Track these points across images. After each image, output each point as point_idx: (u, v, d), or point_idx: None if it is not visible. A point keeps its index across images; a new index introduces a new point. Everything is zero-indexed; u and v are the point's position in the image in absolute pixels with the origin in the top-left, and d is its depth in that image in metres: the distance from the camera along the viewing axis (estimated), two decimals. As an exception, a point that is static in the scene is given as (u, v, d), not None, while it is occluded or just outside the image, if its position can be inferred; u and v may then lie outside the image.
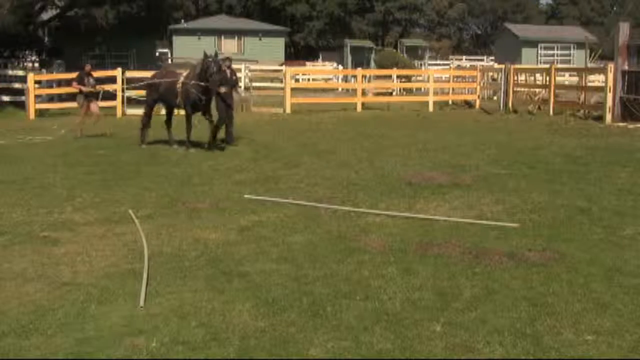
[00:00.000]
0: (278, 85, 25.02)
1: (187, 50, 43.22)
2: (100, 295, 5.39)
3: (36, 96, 21.34)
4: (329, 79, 36.87)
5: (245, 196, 8.99)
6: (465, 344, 4.48)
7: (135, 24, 32.37)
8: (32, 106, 20.93)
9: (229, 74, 14.07)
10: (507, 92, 22.60)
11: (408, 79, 31.84)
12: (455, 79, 28.01)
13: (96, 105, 15.85)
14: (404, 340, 4.53)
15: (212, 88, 12.94)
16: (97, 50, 33.72)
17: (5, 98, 23.04)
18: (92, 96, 15.81)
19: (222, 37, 47.46)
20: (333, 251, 6.54)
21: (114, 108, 20.74)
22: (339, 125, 18.10)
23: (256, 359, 4.31)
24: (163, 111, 14.91)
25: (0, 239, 7.06)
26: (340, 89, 31.77)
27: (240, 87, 15.32)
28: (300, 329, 4.72)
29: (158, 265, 6.12)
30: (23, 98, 21.66)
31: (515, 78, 22.93)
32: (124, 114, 21.09)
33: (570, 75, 28.11)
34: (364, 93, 24.86)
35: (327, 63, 44.78)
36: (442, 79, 30.87)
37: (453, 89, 26.66)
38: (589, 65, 33.00)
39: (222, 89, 13.56)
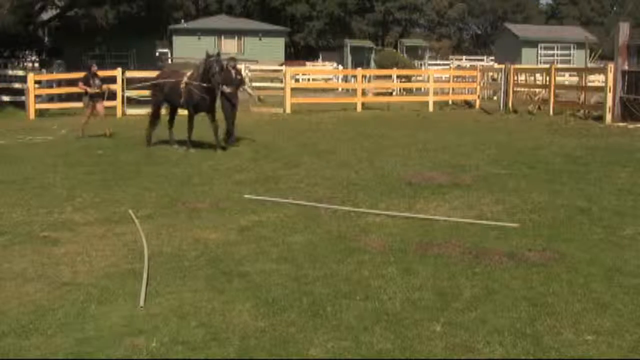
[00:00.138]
0: (278, 85, 25.02)
1: (187, 50, 43.24)
2: (100, 295, 5.39)
3: (36, 96, 21.33)
4: (329, 79, 36.86)
5: (245, 196, 8.99)
6: (465, 344, 4.48)
7: (135, 24, 32.36)
8: (32, 106, 20.92)
9: (233, 74, 14.05)
10: (507, 92, 22.60)
11: (408, 79, 31.83)
12: (455, 79, 28.01)
13: (102, 106, 15.90)
14: (404, 340, 4.53)
15: (215, 88, 12.92)
16: (97, 50, 33.70)
17: (5, 98, 23.03)
18: (98, 97, 15.81)
19: (222, 37, 47.46)
20: (333, 251, 6.54)
21: (114, 108, 20.74)
22: (339, 125, 18.10)
23: (256, 359, 4.31)
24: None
25: (0, 239, 7.06)
26: (340, 89, 31.75)
27: (247, 86, 15.18)
28: (300, 329, 4.72)
29: (158, 265, 6.12)
30: (23, 98, 21.65)
31: (515, 78, 22.93)
32: (124, 114, 21.09)
33: (570, 75, 28.11)
34: (364, 93, 24.86)
35: (327, 63, 44.77)
36: (442, 79, 30.86)
37: (453, 89, 26.65)
38: (589, 65, 33.00)
39: (226, 89, 13.51)
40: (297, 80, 31.20)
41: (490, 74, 27.01)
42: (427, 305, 5.13)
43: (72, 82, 21.83)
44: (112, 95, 19.52)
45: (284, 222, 7.65)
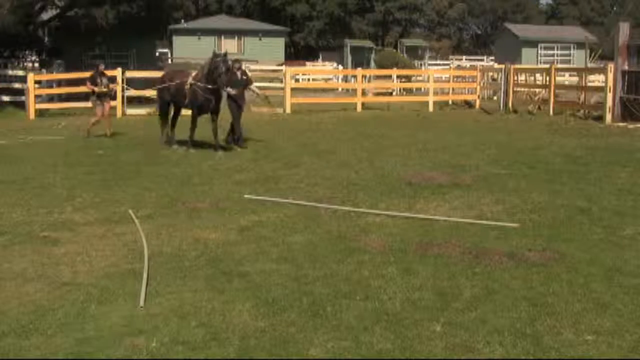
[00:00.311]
0: (278, 85, 25.03)
1: (187, 50, 43.28)
2: (100, 295, 5.39)
3: (36, 96, 21.34)
4: (329, 79, 36.88)
5: (245, 196, 8.99)
6: (465, 344, 4.48)
7: (135, 24, 32.32)
8: (32, 106, 20.93)
9: (239, 75, 13.98)
10: (507, 92, 22.61)
11: (408, 79, 31.85)
12: (455, 79, 28.02)
13: (108, 105, 15.90)
14: (404, 340, 4.53)
15: (220, 89, 12.77)
16: (97, 50, 33.64)
17: (5, 98, 23.04)
18: (105, 96, 15.81)
19: (222, 37, 47.47)
20: (333, 251, 6.54)
21: (114, 108, 20.71)
22: (339, 125, 18.11)
23: (256, 359, 4.31)
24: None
25: (0, 239, 7.06)
26: (340, 89, 31.77)
27: (253, 86, 15.05)
28: (300, 329, 4.72)
29: (158, 265, 6.12)
30: (23, 98, 21.66)
31: (515, 78, 22.94)
32: (124, 114, 21.09)
33: (570, 75, 28.12)
34: (364, 93, 24.86)
35: (327, 63, 44.80)
36: (442, 79, 30.87)
37: (453, 89, 26.66)
38: (589, 65, 33.00)
39: (232, 92, 13.35)
40: (297, 80, 31.21)
41: (490, 74, 27.02)
42: (427, 305, 5.13)
43: (72, 82, 21.93)
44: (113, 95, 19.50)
45: (284, 222, 7.65)
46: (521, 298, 5.26)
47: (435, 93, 25.51)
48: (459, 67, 35.19)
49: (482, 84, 25.48)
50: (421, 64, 44.75)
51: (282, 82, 23.81)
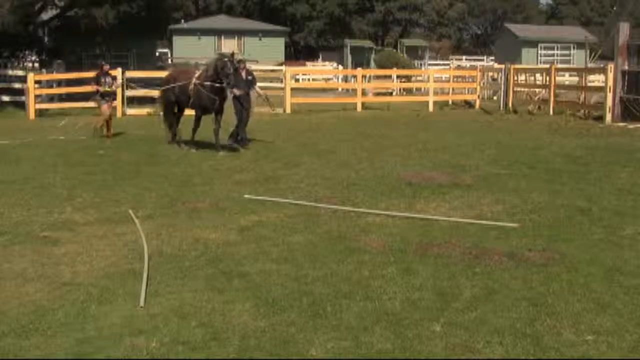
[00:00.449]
0: (278, 85, 25.03)
1: (187, 50, 43.24)
2: (100, 295, 5.39)
3: (36, 96, 21.33)
4: (329, 79, 36.87)
5: (245, 196, 8.99)
6: (465, 344, 4.48)
7: (135, 24, 32.37)
8: (32, 106, 20.91)
9: (244, 75, 13.95)
10: (507, 92, 22.61)
11: (408, 79, 31.86)
12: (455, 79, 28.03)
13: (110, 105, 15.90)
14: (404, 340, 4.53)
15: (225, 88, 12.69)
16: (97, 50, 33.72)
17: (5, 98, 23.04)
18: (109, 96, 15.80)
19: (222, 37, 47.43)
20: (333, 251, 6.54)
21: (114, 108, 20.68)
22: (339, 125, 18.11)
23: (256, 359, 4.31)
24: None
25: (0, 239, 7.06)
26: (340, 89, 31.77)
27: (257, 85, 15.01)
28: (300, 329, 4.72)
29: (158, 265, 6.11)
30: (23, 98, 21.65)
31: (515, 78, 22.95)
32: (124, 114, 21.08)
33: (570, 75, 28.12)
34: (364, 93, 24.87)
35: (327, 63, 44.80)
36: (442, 79, 30.89)
37: (453, 89, 26.67)
38: (589, 65, 33.01)
39: (237, 92, 13.29)
40: (297, 80, 31.20)
41: (490, 74, 27.03)
42: (427, 305, 5.13)
43: (72, 82, 21.94)
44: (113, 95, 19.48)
45: (284, 222, 7.65)
46: (521, 298, 5.26)
47: (435, 93, 25.52)
48: (459, 67, 35.19)
49: (482, 84, 25.49)
50: (421, 64, 44.76)
51: (282, 82, 23.81)
